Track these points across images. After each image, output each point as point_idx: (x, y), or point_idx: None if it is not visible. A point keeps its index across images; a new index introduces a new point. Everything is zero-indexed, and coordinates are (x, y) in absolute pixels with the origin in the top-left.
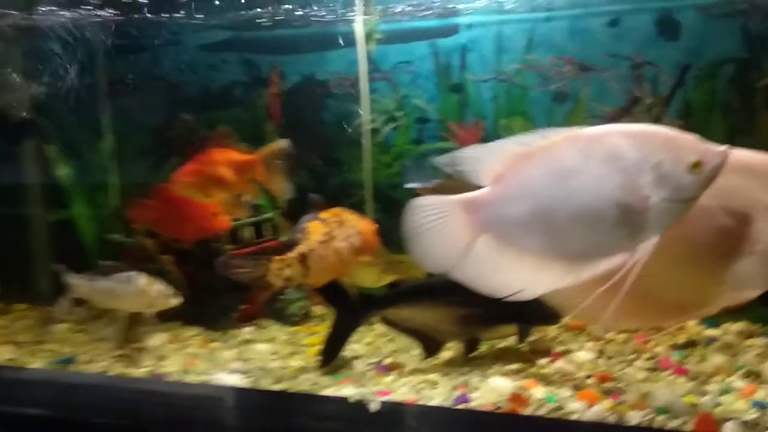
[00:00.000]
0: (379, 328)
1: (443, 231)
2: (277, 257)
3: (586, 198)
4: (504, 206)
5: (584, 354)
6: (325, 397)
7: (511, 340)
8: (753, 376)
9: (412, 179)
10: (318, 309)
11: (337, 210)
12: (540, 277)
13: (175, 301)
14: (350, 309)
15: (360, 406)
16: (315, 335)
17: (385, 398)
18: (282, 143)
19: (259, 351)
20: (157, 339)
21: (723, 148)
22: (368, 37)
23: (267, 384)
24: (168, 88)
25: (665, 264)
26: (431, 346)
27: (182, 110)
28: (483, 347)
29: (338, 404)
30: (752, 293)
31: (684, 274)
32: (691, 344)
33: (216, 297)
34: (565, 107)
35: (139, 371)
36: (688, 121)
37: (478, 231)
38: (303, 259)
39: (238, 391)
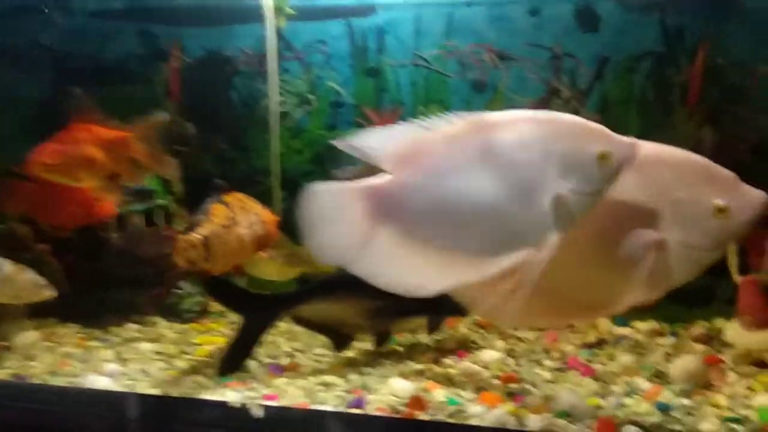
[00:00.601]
0: (281, 324)
1: (341, 221)
2: (183, 236)
3: (490, 188)
4: (406, 195)
5: (492, 353)
6: (207, 401)
7: (421, 337)
8: (659, 376)
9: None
10: (217, 306)
11: (240, 195)
12: (442, 273)
13: (48, 294)
14: (258, 309)
15: (243, 411)
16: (208, 333)
17: (273, 403)
18: (160, 116)
19: (142, 351)
20: (26, 336)
21: (631, 140)
22: (278, 11)
23: (144, 387)
24: (54, 58)
25: (572, 261)
26: (341, 342)
27: (70, 84)
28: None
29: (220, 410)
30: (659, 291)
31: (591, 271)
32: (600, 343)
33: (101, 290)
34: (483, 97)
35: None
36: (605, 115)
37: (379, 221)
38: (205, 242)
39: (110, 396)
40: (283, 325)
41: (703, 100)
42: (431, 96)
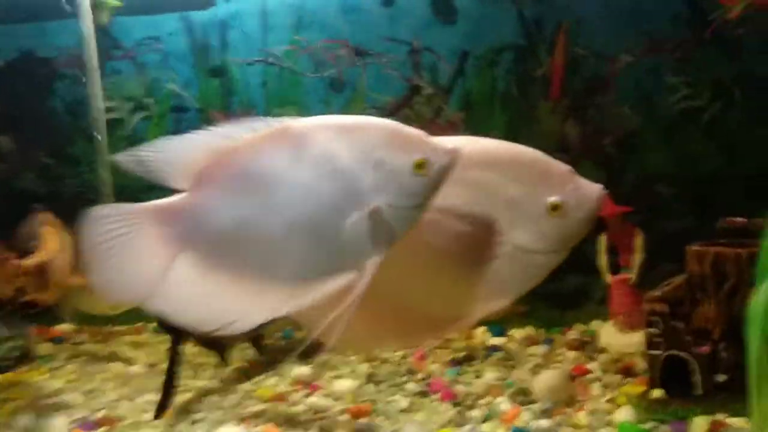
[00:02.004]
0: (114, 367)
1: (131, 249)
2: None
3: (300, 206)
4: (205, 216)
5: (347, 382)
6: None
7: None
8: (522, 395)
9: None
10: (46, 347)
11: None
12: (255, 304)
13: None
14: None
15: None
16: (22, 384)
17: None
18: None
19: None
20: None
21: (451, 143)
22: (100, 5)
23: None
24: None
25: (409, 276)
26: (221, 353)
27: None
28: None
29: None
30: (506, 300)
31: (431, 285)
32: (469, 358)
33: None
34: (342, 96)
35: None
36: (469, 112)
37: (176, 248)
38: (41, 269)
39: None
40: (116, 367)
41: (566, 93)
42: (285, 96)
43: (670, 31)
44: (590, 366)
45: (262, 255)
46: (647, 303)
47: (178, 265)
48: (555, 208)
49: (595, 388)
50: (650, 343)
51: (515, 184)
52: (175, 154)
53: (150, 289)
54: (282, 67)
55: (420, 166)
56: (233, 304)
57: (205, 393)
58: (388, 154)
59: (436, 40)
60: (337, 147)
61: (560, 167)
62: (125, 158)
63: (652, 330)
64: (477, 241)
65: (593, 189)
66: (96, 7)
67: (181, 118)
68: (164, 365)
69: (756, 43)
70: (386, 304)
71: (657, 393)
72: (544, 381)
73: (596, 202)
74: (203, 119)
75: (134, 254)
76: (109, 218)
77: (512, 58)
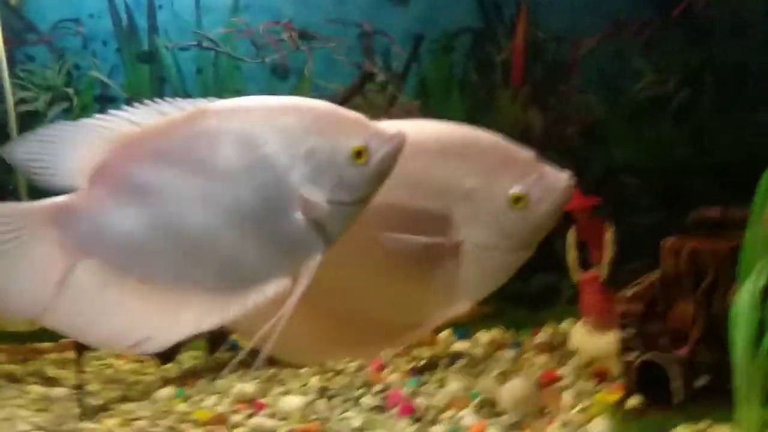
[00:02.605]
0: (35, 389)
1: (22, 256)
2: None
3: (219, 203)
4: (107, 216)
5: (296, 399)
6: None
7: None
8: (487, 406)
9: None
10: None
11: None
12: (172, 318)
13: None
14: None
15: None
16: None
17: None
18: None
19: None
20: None
21: (394, 130)
22: None
23: None
24: None
25: (357, 279)
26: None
27: None
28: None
29: None
30: (467, 304)
31: (381, 289)
32: (431, 366)
33: None
34: (287, 84)
35: None
36: (425, 100)
37: (74, 253)
38: None
39: None
40: (36, 389)
41: (527, 79)
42: (223, 84)
43: (635, 12)
44: (561, 371)
45: (176, 261)
46: (619, 303)
47: (77, 273)
48: (517, 200)
49: (567, 397)
50: (624, 347)
51: (471, 174)
52: (70, 143)
53: (46, 302)
54: (218, 51)
55: (359, 154)
56: (144, 318)
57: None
58: (322, 140)
59: (388, 22)
60: (262, 133)
61: (522, 154)
62: (9, 152)
63: (625, 333)
64: (430, 239)
65: (560, 178)
66: None
67: (107, 109)
68: (94, 386)
69: (727, 25)
70: (333, 310)
71: (634, 401)
72: (511, 391)
73: (563, 192)
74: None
75: (26, 261)
76: None
77: (470, 42)
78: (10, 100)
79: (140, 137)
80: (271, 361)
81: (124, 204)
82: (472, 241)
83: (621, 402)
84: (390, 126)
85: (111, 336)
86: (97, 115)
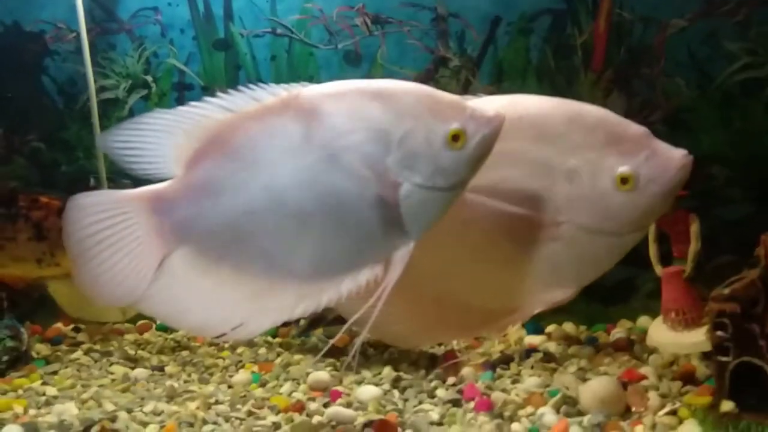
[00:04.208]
0: (118, 369)
1: (121, 243)
2: None
3: (314, 190)
4: (204, 204)
5: (371, 389)
6: None
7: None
8: (567, 404)
9: None
10: (43, 347)
11: None
12: (264, 305)
13: None
14: None
15: None
16: (11, 394)
17: None
18: None
19: None
20: None
21: (492, 111)
22: None
23: None
24: None
25: (454, 264)
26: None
27: None
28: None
29: None
30: (569, 290)
31: (479, 274)
32: (506, 360)
33: None
34: (359, 70)
35: None
36: (500, 85)
37: (171, 241)
38: None
39: None
40: (118, 369)
41: (610, 63)
42: (296, 71)
43: None
44: (643, 370)
45: (270, 248)
46: (714, 302)
47: (173, 260)
48: (624, 180)
49: (652, 398)
50: (718, 349)
51: (575, 151)
52: (166, 131)
53: (142, 289)
54: (292, 38)
55: (456, 138)
56: (238, 305)
57: (213, 401)
58: (417, 124)
59: (463, 5)
60: (357, 118)
61: (632, 130)
62: (109, 139)
63: (720, 333)
64: (531, 222)
65: (674, 156)
66: None
67: (184, 97)
68: (172, 368)
69: None
70: (432, 294)
71: (726, 405)
72: (594, 390)
73: (678, 172)
74: (208, 96)
75: (125, 249)
76: (95, 207)
77: (549, 25)
78: (92, 87)
79: (235, 124)
80: (342, 351)
81: (220, 192)
82: (575, 223)
83: (713, 405)
84: (489, 103)
85: (205, 323)
86: (193, 103)
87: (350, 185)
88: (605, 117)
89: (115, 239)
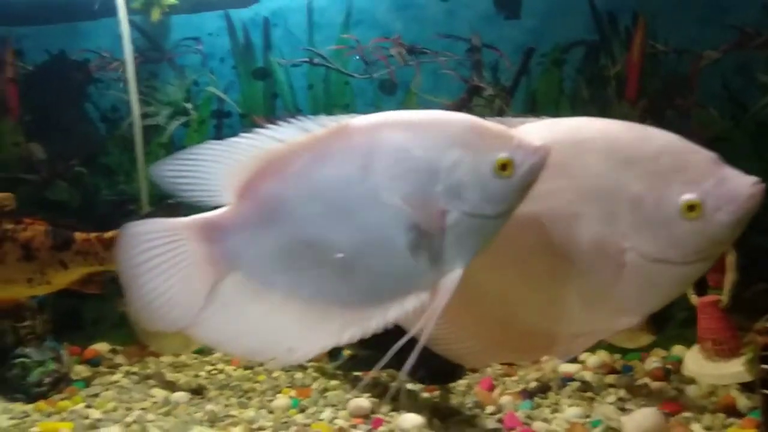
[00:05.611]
0: (158, 392)
1: (173, 270)
2: None
3: (363, 218)
4: (254, 232)
5: (412, 417)
6: None
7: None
8: None
9: None
10: (82, 369)
11: None
12: (312, 331)
13: None
14: None
15: None
16: (55, 417)
17: None
18: None
19: None
20: None
21: (539, 141)
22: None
23: None
24: None
25: (518, 287)
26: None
27: None
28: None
29: None
30: (633, 318)
31: (541, 296)
32: (543, 389)
33: None
34: (394, 99)
35: None
36: (534, 115)
37: (223, 268)
38: None
39: None
40: (158, 392)
41: (643, 93)
42: (332, 100)
43: (763, 22)
44: (682, 401)
45: (319, 275)
46: (759, 335)
47: (225, 287)
48: (691, 208)
49: (696, 430)
50: (764, 382)
51: (640, 177)
52: (218, 161)
53: (194, 315)
54: (329, 68)
55: (504, 167)
56: (287, 331)
57: (256, 427)
58: (466, 153)
59: (497, 36)
60: (405, 147)
61: (699, 155)
62: (163, 168)
63: (765, 367)
64: (596, 247)
65: (743, 183)
66: (148, 4)
67: (223, 124)
68: (211, 392)
69: None
70: (495, 315)
71: None
72: (638, 421)
73: (746, 200)
74: (246, 125)
75: (178, 275)
76: (148, 235)
77: (582, 56)
78: (136, 114)
79: (286, 154)
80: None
81: (270, 220)
82: (639, 251)
83: None
84: (554, 126)
85: (256, 348)
86: (244, 133)
87: (399, 214)
88: (672, 142)
89: (167, 266)
